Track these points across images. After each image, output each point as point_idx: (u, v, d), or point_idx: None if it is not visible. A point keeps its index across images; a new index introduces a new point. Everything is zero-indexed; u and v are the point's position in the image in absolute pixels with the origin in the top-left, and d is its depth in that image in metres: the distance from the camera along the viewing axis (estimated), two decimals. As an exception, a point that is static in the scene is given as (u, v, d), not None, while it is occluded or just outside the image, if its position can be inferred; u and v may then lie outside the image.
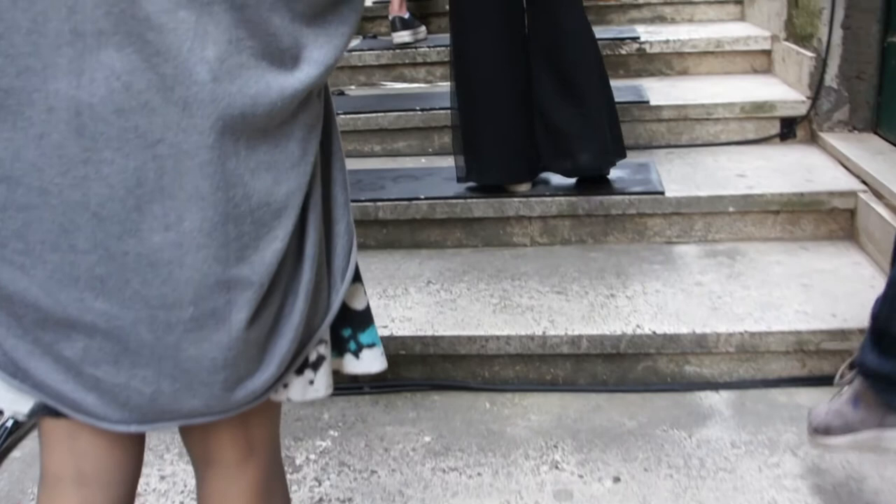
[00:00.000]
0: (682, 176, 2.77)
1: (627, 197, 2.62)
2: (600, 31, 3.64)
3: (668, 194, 2.61)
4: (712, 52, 3.57)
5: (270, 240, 0.95)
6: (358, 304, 1.15)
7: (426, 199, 2.68)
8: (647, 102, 3.09)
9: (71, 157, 0.88)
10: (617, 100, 2.85)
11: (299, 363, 1.07)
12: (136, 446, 1.14)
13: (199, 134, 0.87)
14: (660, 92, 3.27)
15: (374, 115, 3.20)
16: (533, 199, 2.65)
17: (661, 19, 4.10)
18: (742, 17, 4.03)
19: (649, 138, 3.13)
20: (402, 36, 3.83)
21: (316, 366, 1.10)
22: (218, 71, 0.86)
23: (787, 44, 3.30)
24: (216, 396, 0.99)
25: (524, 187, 2.66)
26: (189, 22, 0.84)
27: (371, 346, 1.16)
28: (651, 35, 3.68)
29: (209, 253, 0.92)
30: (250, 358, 0.99)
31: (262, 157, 0.92)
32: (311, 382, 1.10)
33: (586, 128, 2.54)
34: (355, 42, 3.95)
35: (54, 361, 0.97)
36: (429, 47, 3.77)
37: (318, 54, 0.93)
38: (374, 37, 4.16)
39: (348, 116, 3.21)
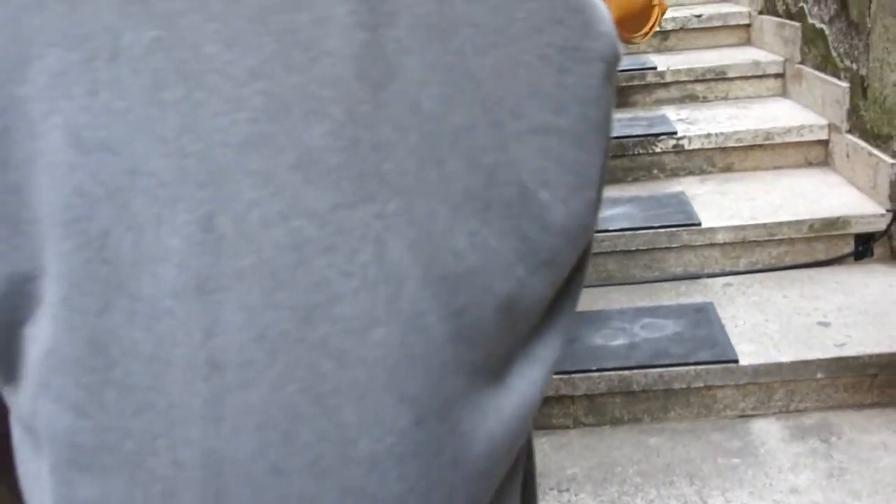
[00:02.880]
0: (751, 327, 2.28)
1: (693, 368, 2.13)
2: (627, 122, 3.17)
3: (742, 361, 2.12)
4: (760, 146, 3.09)
5: None
6: None
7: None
8: (699, 225, 2.61)
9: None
10: (662, 223, 2.43)
11: None
12: None
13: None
14: (708, 204, 2.78)
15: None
16: (577, 375, 2.16)
17: (693, 98, 3.62)
18: (783, 93, 3.55)
19: (701, 265, 2.65)
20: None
21: None
22: (425, 410, 0.60)
23: (851, 138, 2.82)
24: None
25: None
26: (389, 345, 0.58)
27: None
28: (687, 125, 3.20)
29: None
30: None
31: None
32: None
33: None
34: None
35: None
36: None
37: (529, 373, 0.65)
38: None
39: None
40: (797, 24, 3.36)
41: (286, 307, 0.58)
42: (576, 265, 0.67)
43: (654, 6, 2.81)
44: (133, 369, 0.61)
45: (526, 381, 0.65)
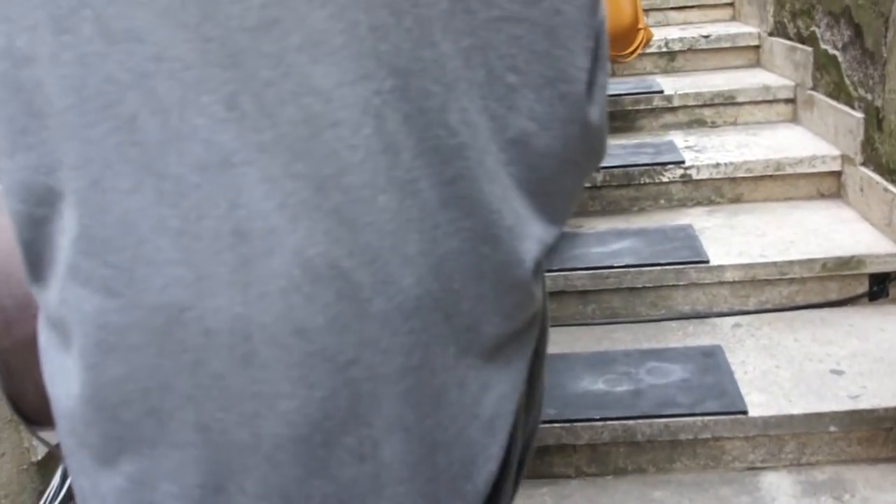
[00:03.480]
0: (761, 374, 2.19)
1: (700, 419, 2.04)
2: (633, 148, 3.09)
3: (751, 412, 2.03)
4: (770, 176, 2.99)
5: (484, 461, 0.74)
6: None
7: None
8: (707, 262, 2.51)
9: (236, 390, 0.68)
10: (669, 259, 2.43)
11: None
12: None
13: (402, 357, 0.68)
14: (716, 239, 2.69)
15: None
16: (579, 424, 2.06)
17: (700, 123, 3.53)
18: (794, 119, 3.46)
19: (709, 304, 2.55)
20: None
21: None
22: (422, 268, 0.66)
23: (866, 171, 2.73)
24: None
25: None
26: (390, 210, 0.64)
27: None
28: (695, 153, 3.11)
29: (413, 488, 0.73)
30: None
31: (471, 361, 0.71)
32: None
33: None
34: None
35: None
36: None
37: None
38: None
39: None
40: (809, 49, 3.27)
41: (303, 177, 0.62)
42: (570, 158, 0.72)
43: (639, 30, 2.74)
44: (162, 245, 0.64)
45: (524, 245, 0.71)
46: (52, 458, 2.05)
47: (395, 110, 0.63)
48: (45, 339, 0.75)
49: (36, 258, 0.72)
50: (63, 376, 0.73)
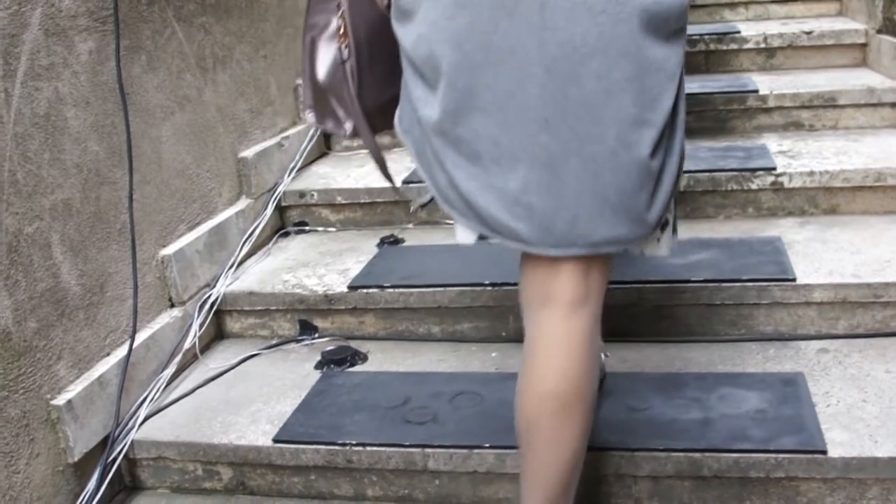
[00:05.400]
0: (846, 409, 2.00)
1: (774, 456, 1.87)
2: (721, 151, 2.92)
3: (831, 452, 1.85)
4: (870, 187, 2.77)
5: (666, 96, 1.35)
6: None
7: (492, 447, 1.98)
8: (793, 280, 2.32)
9: (535, 24, 1.29)
10: (751, 275, 2.31)
11: (664, 218, 1.47)
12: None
13: (629, 12, 1.29)
14: (806, 254, 2.49)
15: (430, 289, 2.51)
16: (639, 453, 1.92)
17: (797, 126, 3.31)
18: (902, 123, 3.22)
19: (794, 325, 2.36)
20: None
21: (664, 227, 1.51)
22: None
23: (976, 187, 2.50)
24: (625, 224, 1.36)
25: None
26: None
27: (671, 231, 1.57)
28: (788, 159, 2.90)
29: (629, 98, 1.32)
30: (648, 192, 1.37)
31: (659, 39, 1.33)
32: (658, 240, 1.51)
33: None
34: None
35: (497, 196, 1.37)
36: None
37: None
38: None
39: (397, 291, 2.53)
40: (921, 51, 3.03)
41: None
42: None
43: None
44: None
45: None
46: (91, 459, 1.99)
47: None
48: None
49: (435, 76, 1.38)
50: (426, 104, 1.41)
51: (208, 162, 2.71)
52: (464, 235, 1.46)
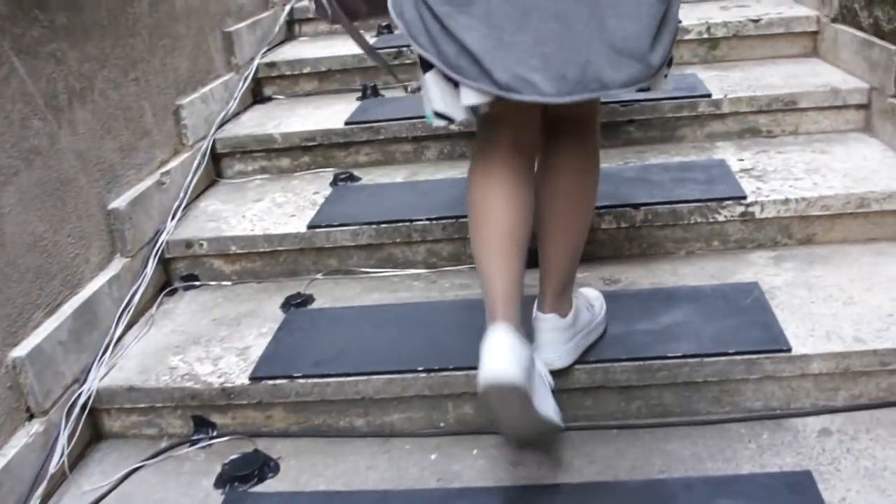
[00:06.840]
0: (869, 521, 1.64)
1: None
2: (676, 171, 2.54)
3: None
4: (851, 214, 2.41)
5: None
6: None
7: None
8: (788, 351, 1.94)
9: None
10: (739, 347, 1.98)
11: (668, 58, 1.59)
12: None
13: None
14: (793, 308, 2.12)
15: (350, 379, 2.05)
16: None
17: (754, 133, 2.94)
18: (867, 128, 2.88)
19: (786, 400, 2.00)
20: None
21: (669, 63, 1.65)
22: None
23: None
24: (633, 65, 1.49)
25: None
26: None
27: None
28: (756, 181, 2.53)
29: None
30: (652, 36, 1.49)
31: None
32: (666, 76, 1.64)
33: None
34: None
35: (513, 51, 1.46)
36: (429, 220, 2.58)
37: None
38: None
39: (310, 381, 2.07)
40: (892, 48, 2.67)
41: None
42: None
43: None
44: None
45: None
46: None
47: None
48: None
49: None
50: None
51: (69, 224, 2.19)
52: (469, 97, 1.54)
